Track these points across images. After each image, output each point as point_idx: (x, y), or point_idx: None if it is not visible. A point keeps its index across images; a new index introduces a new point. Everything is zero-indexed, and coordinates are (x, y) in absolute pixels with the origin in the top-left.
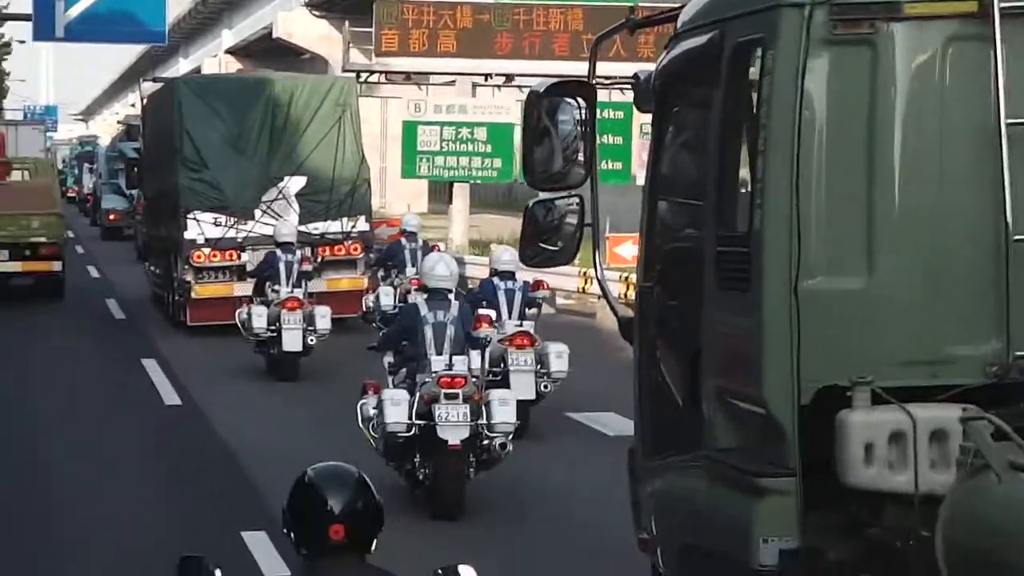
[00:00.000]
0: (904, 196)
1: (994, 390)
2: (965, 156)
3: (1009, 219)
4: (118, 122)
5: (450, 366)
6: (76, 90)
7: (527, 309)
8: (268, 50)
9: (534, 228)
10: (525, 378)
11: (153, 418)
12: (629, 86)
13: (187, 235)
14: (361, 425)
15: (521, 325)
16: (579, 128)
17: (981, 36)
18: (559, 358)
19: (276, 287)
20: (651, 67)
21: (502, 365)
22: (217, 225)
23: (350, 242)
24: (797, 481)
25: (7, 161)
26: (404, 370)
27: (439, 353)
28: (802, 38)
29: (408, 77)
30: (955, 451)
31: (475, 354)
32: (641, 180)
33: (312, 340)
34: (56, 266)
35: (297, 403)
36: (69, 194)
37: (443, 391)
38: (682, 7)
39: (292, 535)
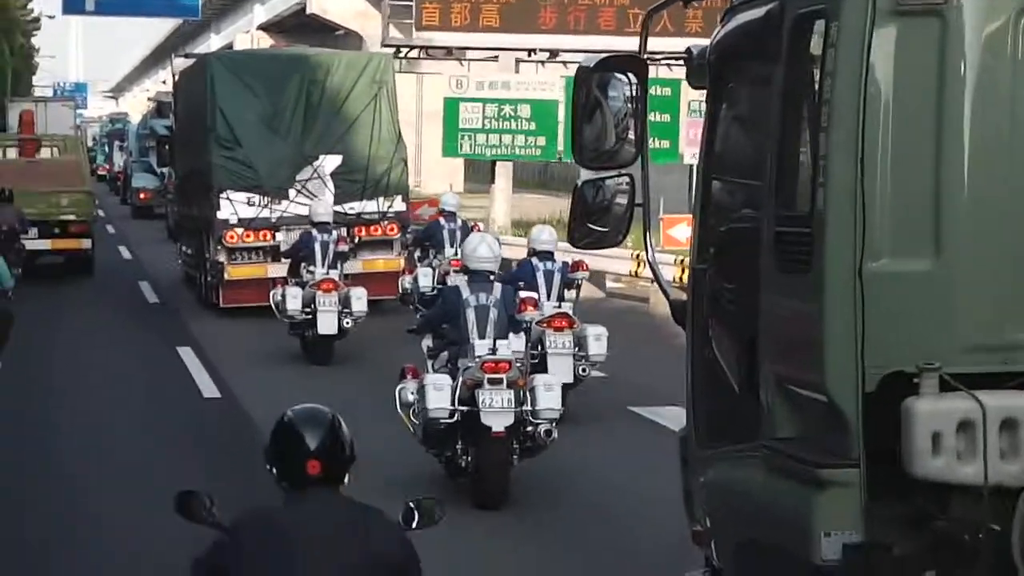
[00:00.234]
0: (974, 174)
1: None
2: None
3: None
4: (149, 99)
5: (494, 350)
6: (106, 67)
7: (566, 290)
8: (301, 26)
9: (583, 208)
10: (563, 361)
11: (192, 412)
12: (680, 62)
13: (220, 215)
14: (400, 411)
15: (559, 307)
16: (630, 105)
17: None
18: (598, 341)
19: (311, 268)
20: (701, 42)
21: (539, 348)
22: (251, 205)
23: (386, 222)
24: (861, 472)
25: (36, 138)
26: (445, 354)
27: (482, 337)
28: (867, 9)
29: (449, 52)
30: None
31: (516, 338)
32: (689, 159)
33: (348, 323)
34: (85, 244)
35: (333, 389)
36: (99, 172)
37: (487, 376)
38: None
39: (274, 470)
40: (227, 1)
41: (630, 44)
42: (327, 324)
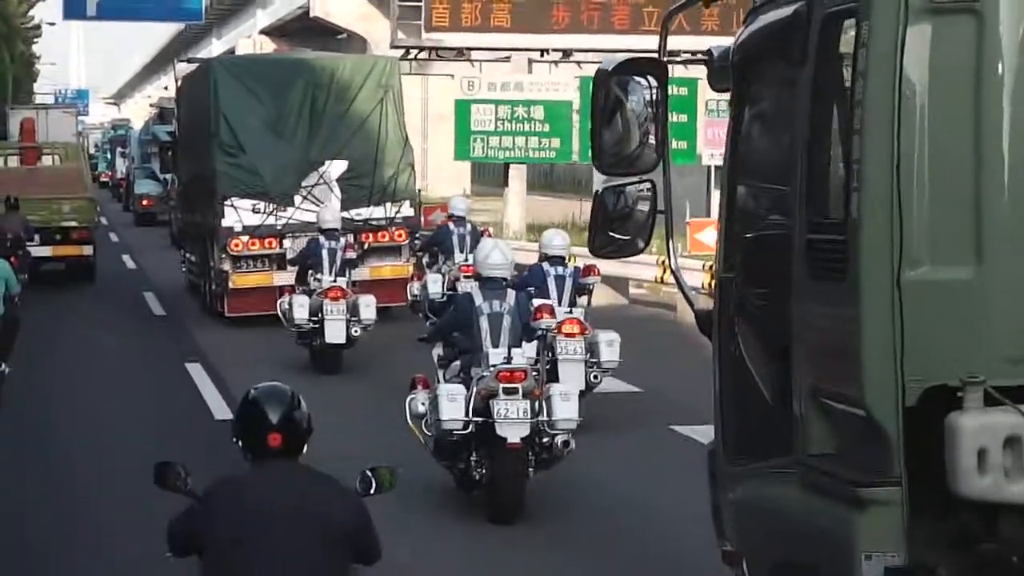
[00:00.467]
0: (1015, 177)
1: None
2: None
3: None
4: (151, 105)
5: (509, 359)
6: (107, 74)
7: (577, 296)
8: (304, 30)
9: (604, 216)
10: (574, 368)
11: (204, 435)
12: (702, 63)
13: (224, 222)
14: (410, 422)
15: (571, 312)
16: (650, 108)
17: None
18: (610, 347)
19: (319, 275)
20: (718, 40)
21: (550, 354)
22: (255, 212)
23: (394, 228)
24: (903, 491)
25: (37, 146)
26: (457, 363)
27: (496, 345)
28: (900, 7)
29: (460, 53)
30: None
31: (530, 346)
32: (707, 160)
33: (356, 331)
34: (87, 250)
35: (342, 400)
36: (102, 179)
37: (502, 386)
38: None
39: (239, 443)
40: (229, 6)
41: (645, 43)
42: (335, 333)
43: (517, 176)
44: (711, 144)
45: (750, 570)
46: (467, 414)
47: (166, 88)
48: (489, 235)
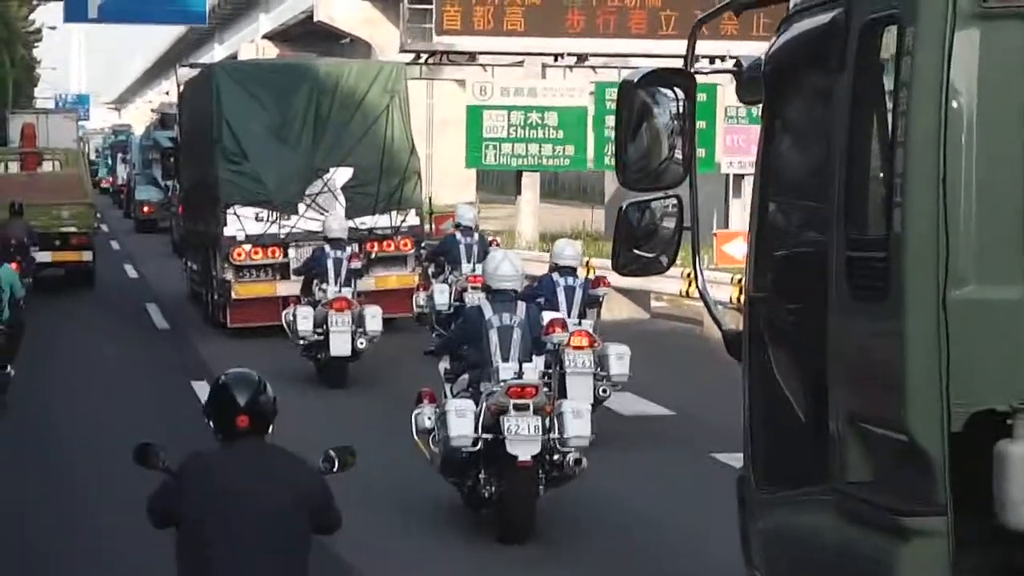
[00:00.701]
0: None
1: None
2: None
3: None
4: (152, 110)
5: (519, 374)
6: (108, 78)
7: (587, 308)
8: (307, 35)
9: (628, 233)
10: (583, 381)
11: (209, 445)
12: (730, 73)
13: (227, 231)
14: (416, 437)
15: (580, 324)
16: (676, 122)
17: None
18: (620, 360)
19: (324, 286)
20: (738, 45)
21: (558, 367)
22: (258, 220)
23: (399, 237)
24: (948, 521)
25: (37, 152)
26: (465, 377)
27: (506, 359)
28: (947, 12)
29: (472, 58)
30: None
31: (539, 360)
32: (726, 168)
33: (362, 343)
34: (86, 256)
35: (348, 414)
36: (103, 185)
37: (512, 401)
38: None
39: (211, 424)
40: (231, 10)
41: (662, 48)
42: (340, 345)
43: (530, 184)
44: (730, 152)
45: None
46: (476, 430)
47: (167, 93)
48: (497, 245)
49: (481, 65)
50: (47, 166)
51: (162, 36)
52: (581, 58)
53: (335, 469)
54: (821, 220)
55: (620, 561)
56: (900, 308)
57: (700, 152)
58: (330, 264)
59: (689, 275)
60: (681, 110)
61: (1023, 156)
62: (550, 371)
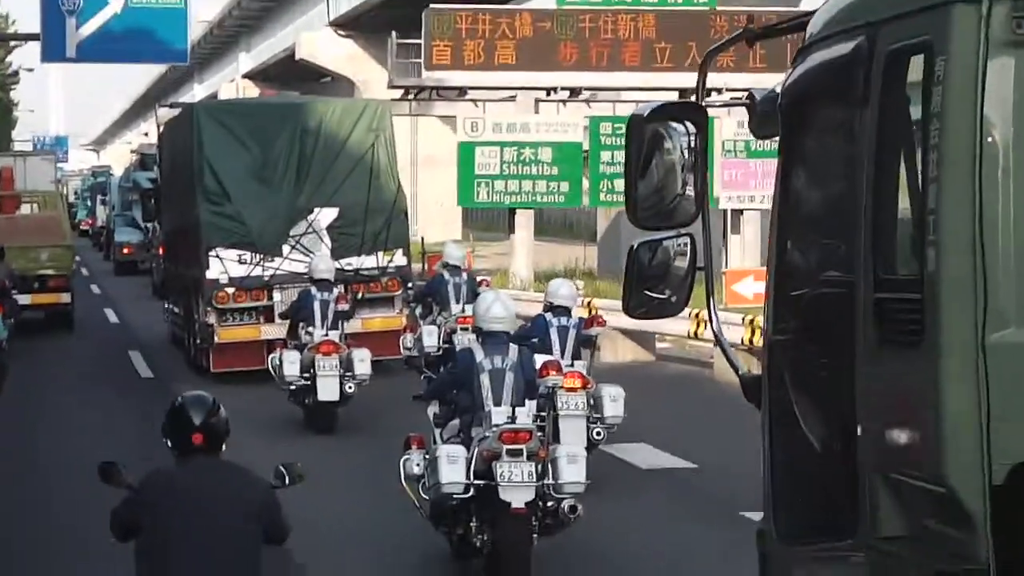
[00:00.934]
0: None
1: None
2: None
3: None
4: (132, 151)
5: (512, 418)
6: (86, 120)
7: (581, 348)
8: (288, 73)
9: (638, 274)
10: (576, 424)
11: None
12: (743, 107)
13: (209, 274)
14: (404, 484)
15: (573, 365)
16: (688, 157)
17: None
18: (615, 402)
19: (310, 329)
20: (734, 78)
21: (551, 410)
22: (242, 263)
23: (386, 279)
24: None
25: (16, 195)
26: (456, 422)
27: (498, 403)
28: (979, 40)
29: (463, 93)
30: None
31: (532, 403)
32: (724, 203)
33: (350, 387)
34: (65, 298)
35: (337, 460)
36: (82, 227)
37: (505, 447)
38: (807, 15)
39: (168, 442)
40: (210, 50)
41: (657, 81)
42: (328, 390)
43: (524, 223)
44: (728, 186)
45: None
46: (468, 477)
47: (146, 134)
48: (487, 286)
49: (472, 100)
50: (25, 208)
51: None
52: (574, 92)
53: (286, 484)
54: (846, 259)
55: None
56: (935, 352)
57: None
58: (316, 306)
59: (698, 315)
60: (692, 144)
61: None
62: (543, 414)
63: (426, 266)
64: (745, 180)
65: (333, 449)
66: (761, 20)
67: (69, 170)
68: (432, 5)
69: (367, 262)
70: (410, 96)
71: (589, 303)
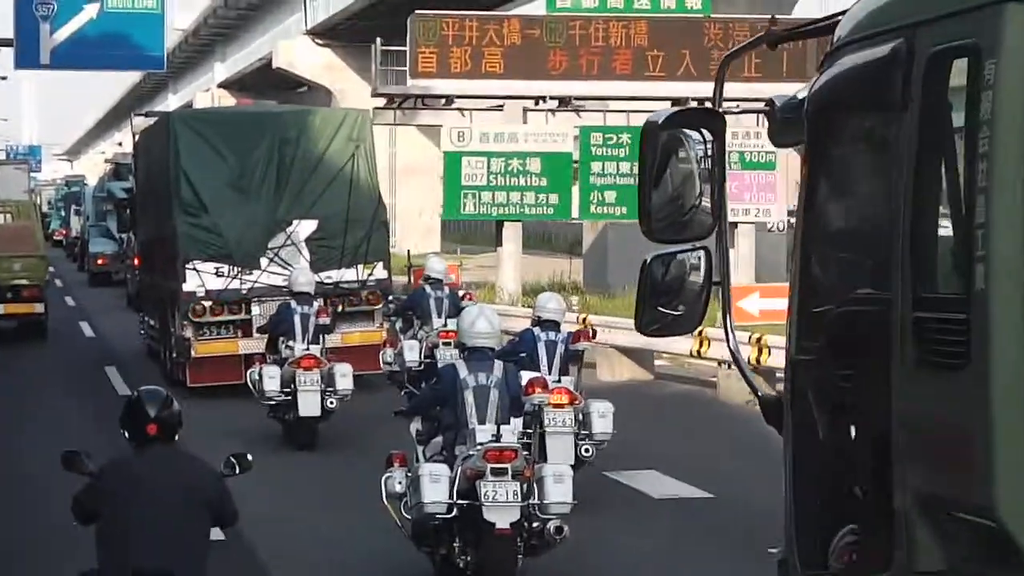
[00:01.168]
0: None
1: None
2: None
3: None
4: (106, 161)
5: (497, 436)
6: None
7: (569, 363)
8: (263, 83)
9: (651, 289)
10: (563, 440)
11: None
12: (762, 114)
13: (186, 287)
14: (386, 502)
15: (560, 381)
16: (705, 166)
17: None
18: (603, 418)
19: (291, 343)
20: (733, 90)
21: (538, 427)
22: (219, 275)
23: (366, 291)
24: None
25: None
26: (439, 439)
27: (482, 421)
28: None
29: (449, 102)
30: None
31: (518, 421)
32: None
33: (332, 403)
34: (38, 308)
35: (316, 476)
36: (56, 237)
37: (490, 466)
38: (834, 17)
39: (126, 433)
40: (185, 59)
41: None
42: (309, 405)
43: (512, 235)
44: (732, 199)
45: None
46: (451, 496)
47: (120, 144)
48: (471, 299)
49: (459, 109)
50: None
51: (114, 86)
52: (564, 101)
53: (237, 472)
54: (880, 274)
55: None
56: (984, 376)
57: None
58: (297, 320)
59: (701, 333)
60: (709, 153)
61: None
62: (529, 431)
63: (412, 279)
64: (740, 192)
65: (314, 465)
66: (756, 28)
67: (42, 180)
68: (417, 11)
69: (347, 275)
70: (394, 104)
71: (585, 319)
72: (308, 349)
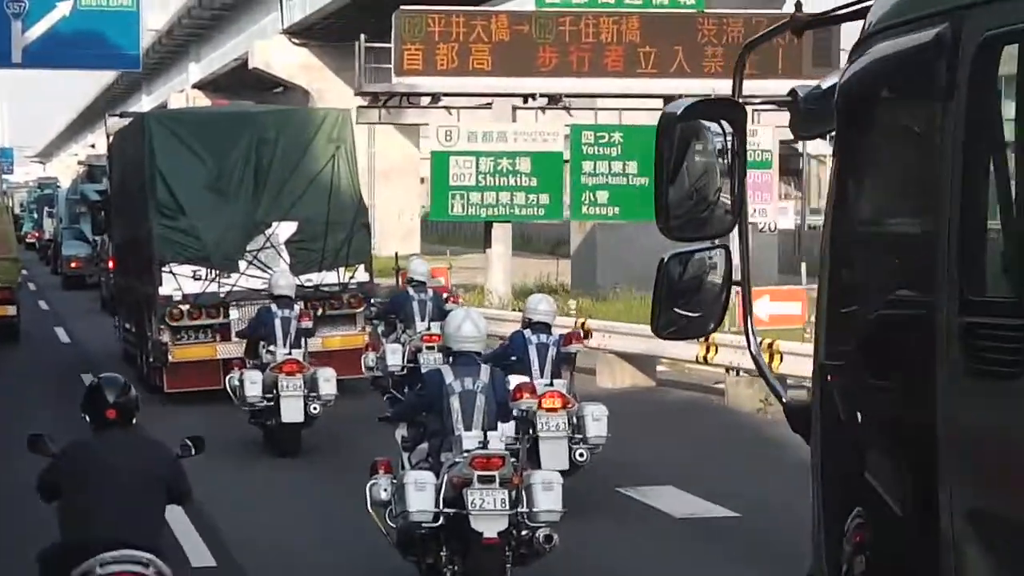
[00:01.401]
0: None
1: None
2: None
3: None
4: (80, 162)
5: (484, 443)
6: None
7: (562, 366)
8: (239, 83)
9: (668, 289)
10: (557, 446)
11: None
12: (784, 105)
13: (162, 290)
14: (371, 510)
15: (552, 384)
16: (724, 161)
17: None
18: (597, 422)
19: (272, 348)
20: (726, 86)
21: (531, 431)
22: (196, 279)
23: (348, 295)
24: None
25: None
26: (424, 446)
27: (469, 428)
28: None
29: (436, 100)
30: None
31: (507, 426)
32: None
33: (315, 408)
34: (11, 310)
35: (299, 484)
36: (28, 239)
37: (477, 473)
38: (863, 0)
39: (86, 417)
40: (158, 60)
41: (641, 87)
42: (292, 411)
43: (501, 236)
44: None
45: None
46: (437, 505)
47: (93, 146)
48: (456, 302)
49: (446, 108)
50: None
51: (87, 87)
52: (554, 99)
53: (193, 454)
54: (922, 276)
55: None
56: None
57: None
58: (277, 324)
59: (708, 338)
60: (730, 146)
61: None
62: (517, 438)
63: (399, 282)
64: None
65: (297, 471)
66: (751, 23)
67: (14, 182)
68: (403, 7)
69: (328, 278)
70: (378, 104)
71: (583, 324)
72: (290, 354)
